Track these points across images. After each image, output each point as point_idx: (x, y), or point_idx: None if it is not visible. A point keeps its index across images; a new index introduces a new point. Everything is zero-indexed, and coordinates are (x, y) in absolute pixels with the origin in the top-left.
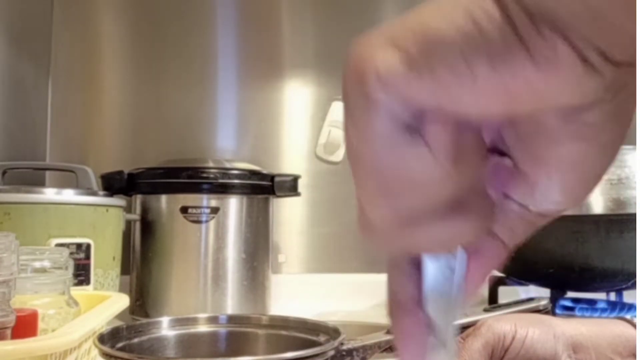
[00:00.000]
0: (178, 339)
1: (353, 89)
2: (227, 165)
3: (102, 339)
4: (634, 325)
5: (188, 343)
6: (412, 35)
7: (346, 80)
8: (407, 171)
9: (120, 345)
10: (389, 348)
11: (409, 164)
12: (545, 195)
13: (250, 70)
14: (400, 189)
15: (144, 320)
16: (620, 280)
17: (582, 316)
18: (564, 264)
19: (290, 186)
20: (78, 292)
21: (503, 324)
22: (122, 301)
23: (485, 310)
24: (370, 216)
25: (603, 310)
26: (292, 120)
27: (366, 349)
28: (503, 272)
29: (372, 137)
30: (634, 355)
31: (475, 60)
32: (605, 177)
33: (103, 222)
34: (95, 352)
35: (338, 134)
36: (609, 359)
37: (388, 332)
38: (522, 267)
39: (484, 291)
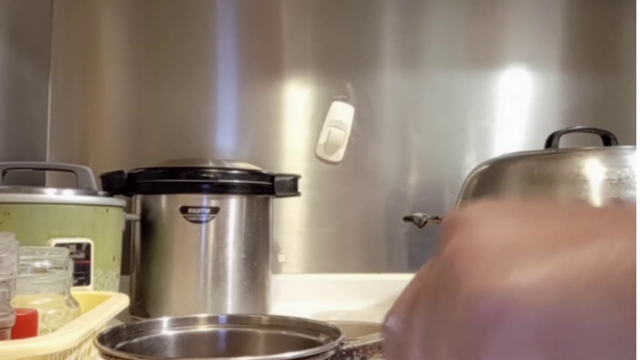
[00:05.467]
0: (178, 339)
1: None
2: (227, 165)
3: (102, 339)
4: None
5: (188, 343)
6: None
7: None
8: None
9: (120, 345)
10: None
11: None
12: None
13: (250, 70)
14: None
15: (144, 320)
16: None
17: None
18: None
19: (290, 186)
20: (78, 292)
21: None
22: (122, 301)
23: None
24: None
25: None
26: (292, 120)
27: (366, 349)
28: None
29: None
30: None
31: None
32: (605, 177)
33: (103, 222)
34: (95, 352)
35: (338, 134)
36: None
37: None
38: None
39: None
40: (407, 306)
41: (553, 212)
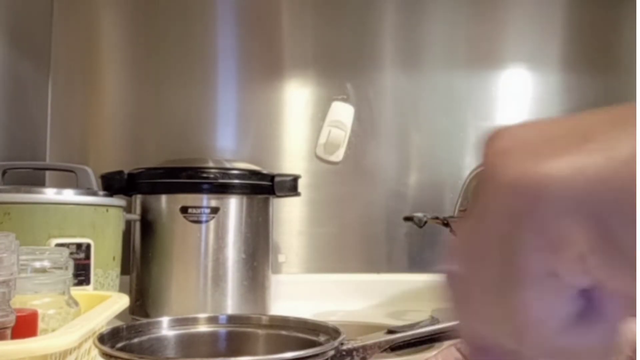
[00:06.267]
0: (178, 339)
1: (532, 252)
2: (227, 165)
3: (102, 339)
4: None
5: (188, 343)
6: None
7: (527, 242)
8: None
9: (120, 345)
10: (389, 348)
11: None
12: None
13: (250, 70)
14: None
15: (144, 320)
16: None
17: None
18: None
19: (290, 186)
20: (78, 292)
21: None
22: (122, 301)
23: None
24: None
25: None
26: (292, 120)
27: (366, 349)
28: None
29: (548, 314)
30: None
31: None
32: None
33: (103, 222)
34: (95, 352)
35: (338, 134)
36: (628, 357)
37: (388, 332)
38: None
39: None
40: (456, 243)
41: (577, 116)
